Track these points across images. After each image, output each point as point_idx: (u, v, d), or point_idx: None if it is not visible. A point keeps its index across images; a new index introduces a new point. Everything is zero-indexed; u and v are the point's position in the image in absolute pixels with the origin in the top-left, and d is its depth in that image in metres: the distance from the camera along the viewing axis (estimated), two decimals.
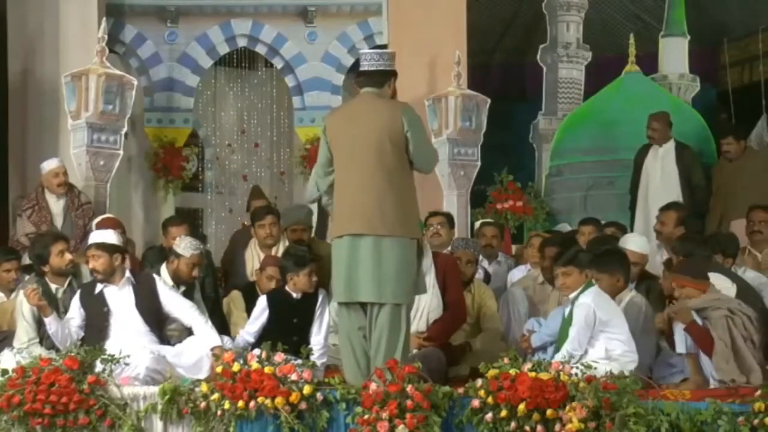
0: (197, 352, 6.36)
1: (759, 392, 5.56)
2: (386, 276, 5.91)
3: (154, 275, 6.83)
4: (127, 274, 6.65)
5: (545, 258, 7.25)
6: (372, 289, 5.94)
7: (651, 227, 8.83)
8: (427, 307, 6.74)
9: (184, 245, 7.11)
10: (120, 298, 6.58)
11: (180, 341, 6.62)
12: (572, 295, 6.28)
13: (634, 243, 7.42)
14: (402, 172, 5.94)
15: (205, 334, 6.53)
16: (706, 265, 6.60)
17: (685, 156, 9.95)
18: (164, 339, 6.64)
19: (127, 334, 6.46)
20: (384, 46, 11.01)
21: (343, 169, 6.05)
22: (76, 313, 6.60)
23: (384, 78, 6.06)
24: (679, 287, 6.34)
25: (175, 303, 6.68)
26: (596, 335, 6.16)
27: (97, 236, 6.74)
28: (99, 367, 6.01)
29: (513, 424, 5.55)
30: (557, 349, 6.20)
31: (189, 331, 6.72)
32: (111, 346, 6.27)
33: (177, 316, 6.69)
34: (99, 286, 6.60)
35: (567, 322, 6.23)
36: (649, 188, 9.97)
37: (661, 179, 9.94)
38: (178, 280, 7.01)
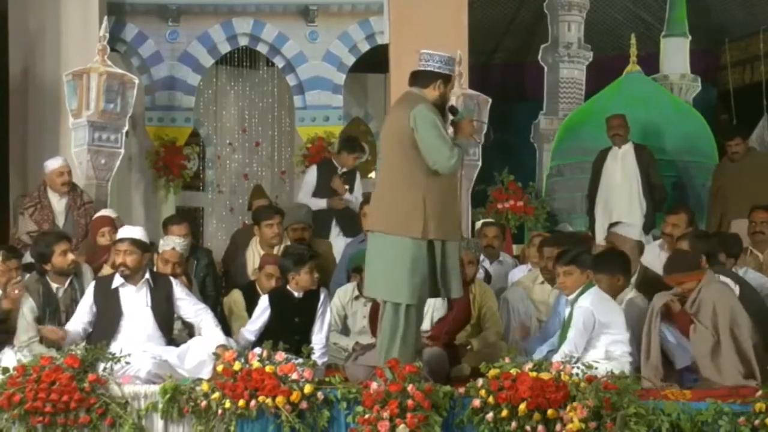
0: (201, 353, 6.27)
1: (760, 392, 5.57)
2: (378, 272, 5.96)
3: (171, 278, 6.72)
4: (147, 275, 6.56)
5: (544, 258, 7.27)
6: (367, 283, 6.13)
7: None
8: (431, 306, 6.74)
9: (162, 242, 7.14)
10: (136, 299, 6.51)
11: (180, 342, 6.57)
12: (572, 297, 6.27)
13: (626, 229, 7.56)
14: (410, 171, 5.86)
15: (212, 336, 6.44)
16: (694, 253, 6.58)
17: (644, 156, 10.03)
18: (172, 342, 6.55)
19: (137, 336, 6.40)
20: (385, 46, 11.05)
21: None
22: (87, 309, 6.50)
23: (428, 79, 5.96)
24: (678, 285, 6.33)
25: (188, 306, 6.61)
26: (597, 336, 6.16)
27: (130, 232, 6.64)
28: (100, 366, 6.00)
29: (514, 424, 5.56)
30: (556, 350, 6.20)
31: (189, 332, 6.72)
32: (118, 348, 6.20)
33: (188, 319, 6.63)
34: (116, 283, 6.52)
35: (567, 323, 6.23)
36: (610, 191, 10.02)
37: (622, 180, 10.01)
38: None
